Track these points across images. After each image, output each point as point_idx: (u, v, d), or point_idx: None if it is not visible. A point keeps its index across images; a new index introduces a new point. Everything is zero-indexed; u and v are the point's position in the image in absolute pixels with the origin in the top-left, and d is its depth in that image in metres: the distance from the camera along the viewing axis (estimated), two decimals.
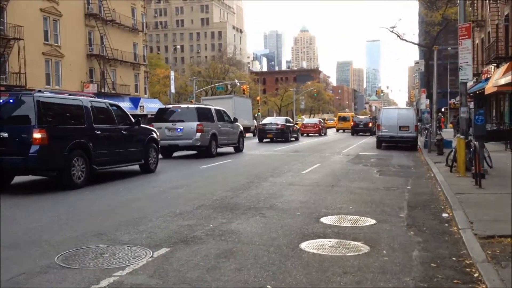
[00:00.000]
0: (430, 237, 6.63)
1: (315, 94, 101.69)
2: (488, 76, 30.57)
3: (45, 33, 39.03)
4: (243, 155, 21.11)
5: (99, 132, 11.76)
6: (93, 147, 11.37)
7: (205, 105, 23.67)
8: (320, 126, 43.94)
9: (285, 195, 10.05)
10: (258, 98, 73.86)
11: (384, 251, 5.89)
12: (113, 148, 12.41)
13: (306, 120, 52.84)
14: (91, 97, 12.65)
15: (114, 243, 6.07)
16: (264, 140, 31.90)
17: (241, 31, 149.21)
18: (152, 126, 18.63)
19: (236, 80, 67.74)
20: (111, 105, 13.15)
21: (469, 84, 26.06)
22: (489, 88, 25.76)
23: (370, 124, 43.16)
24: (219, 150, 20.69)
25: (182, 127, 18.70)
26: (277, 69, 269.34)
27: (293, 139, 33.50)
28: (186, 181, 12.33)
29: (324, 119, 62.48)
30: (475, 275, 5.05)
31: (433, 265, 5.37)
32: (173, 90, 55.29)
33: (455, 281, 4.86)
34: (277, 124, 31.75)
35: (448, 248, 6.09)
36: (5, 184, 11.07)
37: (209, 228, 6.93)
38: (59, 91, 12.76)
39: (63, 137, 10.66)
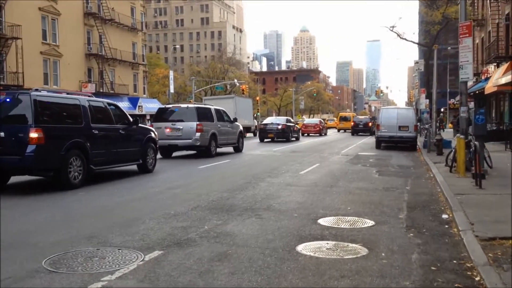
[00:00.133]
0: (430, 239, 6.48)
1: (315, 94, 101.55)
2: (488, 75, 30.42)
3: (44, 32, 38.88)
4: (242, 155, 20.96)
5: (97, 132, 11.65)
6: (90, 147, 11.26)
7: (205, 105, 23.53)
8: (321, 126, 44.28)
9: (283, 195, 9.89)
10: (257, 98, 73.68)
11: (383, 254, 5.73)
12: (110, 147, 12.29)
13: (307, 120, 53.21)
14: (89, 96, 12.53)
15: (105, 245, 5.90)
16: (265, 140, 31.97)
17: (241, 31, 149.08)
18: (152, 126, 18.68)
19: (236, 80, 67.57)
20: (109, 104, 13.04)
21: (469, 84, 25.87)
22: (489, 87, 25.61)
23: (370, 124, 43.25)
24: (218, 150, 20.59)
25: (181, 127, 18.63)
26: (276, 69, 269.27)
27: (294, 139, 33.58)
28: (183, 182, 12.18)
29: (324, 119, 62.69)
30: (477, 278, 4.89)
31: (433, 268, 5.22)
32: (172, 90, 55.18)
33: (456, 285, 4.71)
34: (278, 124, 32.00)
35: (449, 251, 5.93)
36: (1, 184, 10.95)
37: (203, 230, 6.77)
38: (57, 90, 12.67)
39: (60, 136, 10.54)
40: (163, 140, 18.59)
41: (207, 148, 19.19)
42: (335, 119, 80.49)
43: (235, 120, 23.09)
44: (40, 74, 38.34)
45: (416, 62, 32.01)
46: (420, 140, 26.35)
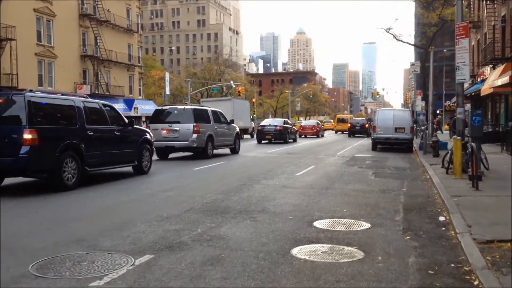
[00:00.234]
0: (427, 242, 6.36)
1: (311, 96, 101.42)
2: (484, 77, 30.42)
3: (38, 33, 38.62)
4: (238, 157, 20.87)
5: (92, 133, 11.58)
6: (85, 148, 11.19)
7: (202, 106, 23.53)
8: (318, 128, 44.69)
9: (278, 198, 9.76)
10: (253, 100, 73.52)
11: (379, 257, 5.61)
12: (105, 149, 12.21)
13: (304, 122, 53.64)
14: (84, 97, 12.45)
15: (94, 249, 5.75)
16: (263, 141, 32.16)
17: (237, 33, 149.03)
18: (149, 127, 18.62)
19: (232, 82, 67.43)
20: (104, 105, 12.98)
21: (465, 85, 25.86)
22: (485, 89, 25.58)
23: (367, 126, 43.40)
24: (215, 151, 20.56)
25: (178, 128, 18.60)
26: (273, 71, 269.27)
27: (291, 140, 33.73)
28: (178, 183, 12.05)
29: (321, 121, 63.03)
30: (475, 283, 4.78)
31: (430, 272, 5.10)
32: (168, 92, 55.04)
33: None
34: (276, 126, 32.24)
35: (446, 254, 5.82)
36: None
37: (196, 233, 6.63)
38: (52, 91, 12.57)
39: (55, 137, 10.47)
40: (160, 141, 18.63)
41: (204, 149, 19.18)
42: (332, 121, 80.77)
43: (232, 121, 23.10)
44: (35, 75, 38.07)
45: (412, 64, 32.03)
46: (416, 142, 26.29)
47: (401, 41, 31.67)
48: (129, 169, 13.96)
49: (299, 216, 7.90)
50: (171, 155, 20.22)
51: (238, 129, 23.39)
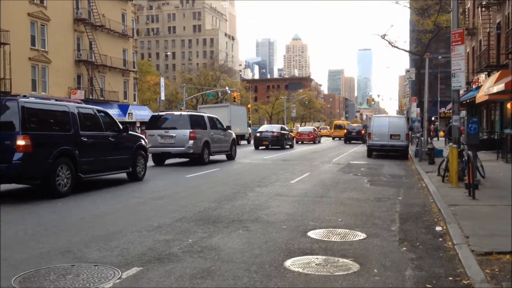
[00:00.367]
0: (424, 254, 6.20)
1: (306, 102, 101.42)
2: (479, 84, 30.43)
3: (32, 38, 38.35)
4: (233, 163, 20.76)
5: (86, 139, 11.51)
6: (79, 155, 11.11)
7: (198, 112, 23.56)
8: (315, 134, 45.22)
9: (272, 206, 9.58)
10: (249, 105, 73.41)
11: (375, 270, 5.44)
12: (100, 155, 12.14)
13: (301, 128, 54.19)
14: (78, 103, 12.38)
15: (80, 261, 5.55)
16: (260, 147, 32.40)
17: (233, 39, 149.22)
18: (144, 134, 18.67)
19: (227, 88, 67.30)
20: (99, 111, 12.93)
21: (460, 92, 25.86)
22: (481, 96, 25.55)
23: (363, 132, 43.52)
24: (211, 157, 20.51)
25: (175, 134, 18.56)
26: (269, 76, 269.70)
27: (288, 146, 34.01)
28: (171, 191, 11.86)
29: (317, 127, 63.77)
30: None
31: (428, 286, 4.94)
32: (163, 97, 54.84)
33: None
34: (273, 132, 32.65)
35: (444, 266, 5.65)
36: None
37: (187, 244, 6.44)
38: (45, 97, 12.46)
39: (48, 144, 10.41)
40: (156, 147, 18.72)
41: (200, 155, 19.14)
42: (328, 127, 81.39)
43: (228, 128, 23.07)
44: (28, 80, 37.77)
45: (408, 71, 32.05)
46: (411, 149, 26.20)
47: (397, 47, 31.64)
48: (123, 175, 13.81)
49: (293, 226, 7.72)
50: (167, 161, 20.13)
51: (234, 136, 23.41)
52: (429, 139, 23.16)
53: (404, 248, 6.44)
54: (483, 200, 9.77)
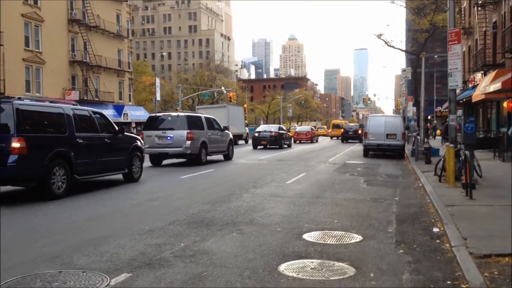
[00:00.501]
0: (422, 256, 6.07)
1: (303, 102, 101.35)
2: (475, 83, 30.37)
3: (26, 38, 38.05)
4: (230, 164, 20.69)
5: (81, 141, 11.50)
6: (74, 156, 11.08)
7: (195, 113, 23.62)
8: (312, 134, 45.82)
9: (267, 208, 9.44)
10: (245, 105, 73.25)
11: (372, 274, 5.30)
12: (95, 157, 12.10)
13: (299, 128, 54.68)
14: (73, 104, 12.37)
15: (68, 267, 5.38)
16: (259, 147, 32.65)
17: (229, 39, 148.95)
18: (141, 135, 18.83)
19: (223, 88, 67.11)
20: (94, 113, 12.89)
21: (456, 91, 25.75)
22: (477, 95, 25.49)
23: (359, 131, 43.67)
24: (209, 158, 20.55)
25: (172, 135, 18.64)
26: (265, 76, 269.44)
27: (286, 146, 34.28)
28: (166, 193, 11.70)
29: (315, 127, 64.48)
30: None
31: None
32: (158, 98, 54.60)
33: None
34: (271, 132, 32.96)
35: (442, 270, 5.52)
36: None
37: (179, 248, 6.29)
38: (40, 98, 12.38)
39: (43, 146, 10.37)
40: (153, 148, 18.85)
41: (198, 156, 19.26)
42: (325, 127, 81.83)
43: (225, 128, 23.22)
44: (22, 81, 37.46)
45: (404, 70, 31.88)
46: (408, 148, 26.11)
47: (393, 47, 31.55)
48: (119, 176, 13.73)
49: (288, 228, 7.58)
50: (165, 162, 20.20)
51: (231, 136, 23.51)
52: (425, 138, 23.03)
53: (401, 251, 6.31)
54: (481, 200, 9.66)
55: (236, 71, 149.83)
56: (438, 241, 6.91)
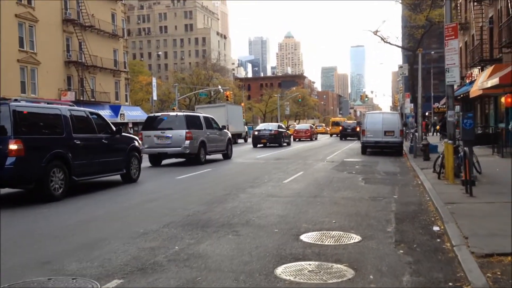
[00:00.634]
0: (422, 257, 5.92)
1: (300, 100, 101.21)
2: (473, 79, 30.26)
3: (20, 39, 37.76)
4: (229, 162, 20.64)
5: (79, 142, 11.46)
6: (72, 158, 11.05)
7: (193, 112, 23.61)
8: (311, 132, 46.42)
9: (263, 208, 9.28)
10: (242, 104, 73.08)
11: (371, 276, 5.15)
12: (93, 158, 12.07)
13: (298, 126, 55.12)
14: (70, 105, 12.33)
15: (58, 274, 5.21)
16: (258, 145, 32.82)
17: (225, 37, 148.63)
18: (140, 135, 18.97)
19: (220, 87, 66.89)
20: (91, 113, 12.87)
21: (454, 87, 25.58)
22: (475, 91, 25.36)
23: (358, 129, 43.71)
24: (208, 157, 20.56)
25: (171, 135, 18.68)
26: (262, 75, 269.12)
27: (285, 144, 34.52)
28: (162, 193, 11.57)
29: (314, 125, 65.08)
30: None
31: None
32: (155, 97, 54.36)
33: None
34: (271, 130, 33.30)
35: (443, 270, 5.37)
36: None
37: (173, 252, 6.12)
38: (36, 99, 12.26)
39: (41, 147, 10.29)
40: (152, 148, 18.93)
41: (197, 155, 19.29)
42: (323, 125, 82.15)
43: (224, 127, 23.30)
44: (17, 82, 37.15)
45: (401, 67, 31.84)
46: (406, 145, 25.98)
47: (389, 43, 31.41)
48: (118, 177, 13.62)
49: (285, 229, 7.42)
50: (164, 161, 20.19)
51: (230, 135, 23.54)
52: (423, 135, 22.90)
53: (401, 251, 6.16)
54: (481, 197, 9.51)
55: (233, 69, 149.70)
56: (438, 240, 6.76)
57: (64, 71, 43.14)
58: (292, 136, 41.14)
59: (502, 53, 23.88)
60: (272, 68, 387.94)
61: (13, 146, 9.50)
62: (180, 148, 18.53)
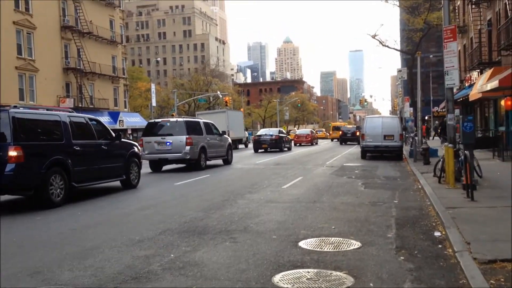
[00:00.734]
0: (423, 263, 5.78)
1: (299, 105, 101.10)
2: (472, 82, 30.17)
3: (19, 46, 37.70)
4: (228, 168, 20.57)
5: (78, 148, 11.45)
6: (72, 164, 11.02)
7: (193, 118, 23.61)
8: (312, 136, 47.20)
9: (262, 214, 9.13)
10: (241, 109, 73.02)
11: (371, 284, 5.02)
12: (93, 164, 12.04)
13: (299, 131, 56.07)
14: (69, 111, 12.30)
15: (49, 284, 5.07)
16: (259, 150, 33.02)
17: (224, 43, 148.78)
18: (140, 141, 19.06)
19: (219, 92, 66.83)
20: (91, 119, 12.86)
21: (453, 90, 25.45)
22: (474, 94, 25.25)
23: (358, 133, 43.78)
24: (208, 162, 20.56)
25: (171, 141, 18.71)
26: (261, 80, 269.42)
27: (286, 148, 34.79)
28: (160, 199, 11.44)
29: (314, 129, 65.61)
30: None
31: None
32: (154, 104, 54.25)
33: None
34: (271, 135, 33.57)
35: (445, 277, 5.23)
36: None
37: (168, 260, 5.98)
38: (35, 106, 12.22)
39: (40, 154, 10.26)
40: (153, 154, 18.99)
41: (197, 161, 19.30)
42: (323, 130, 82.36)
43: (224, 133, 23.35)
44: (15, 89, 37.02)
45: (399, 71, 31.72)
46: (405, 149, 25.86)
47: (387, 46, 31.33)
48: (117, 183, 13.56)
49: (283, 236, 7.28)
50: (165, 167, 20.19)
51: (230, 140, 23.56)
52: (423, 139, 22.78)
53: (402, 258, 6.02)
54: (482, 201, 9.38)
55: (232, 75, 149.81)
56: (440, 246, 6.62)
57: (62, 78, 43.06)
58: (293, 141, 41.45)
59: (501, 56, 23.80)
60: (271, 73, 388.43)
61: (12, 153, 9.48)
62: (180, 154, 18.53)
